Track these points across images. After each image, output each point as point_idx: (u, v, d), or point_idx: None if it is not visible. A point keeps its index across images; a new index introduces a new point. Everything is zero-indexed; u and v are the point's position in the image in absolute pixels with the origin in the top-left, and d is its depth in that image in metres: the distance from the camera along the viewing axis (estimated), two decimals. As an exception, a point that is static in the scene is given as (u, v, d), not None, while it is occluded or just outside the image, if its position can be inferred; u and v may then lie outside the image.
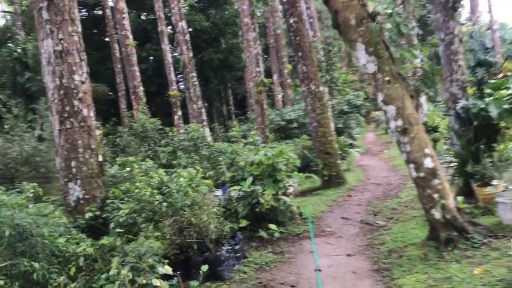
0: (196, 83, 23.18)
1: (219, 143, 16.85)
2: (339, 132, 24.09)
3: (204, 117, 23.29)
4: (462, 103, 8.70)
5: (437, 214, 6.27)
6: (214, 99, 38.55)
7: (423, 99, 18.46)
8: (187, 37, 23.17)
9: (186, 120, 26.42)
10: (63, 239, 4.14)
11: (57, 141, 7.03)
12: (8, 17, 28.65)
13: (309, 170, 13.96)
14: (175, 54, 26.07)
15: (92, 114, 7.25)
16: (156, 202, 6.15)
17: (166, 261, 4.63)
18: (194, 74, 23.11)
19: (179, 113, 21.39)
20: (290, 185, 9.28)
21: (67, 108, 6.94)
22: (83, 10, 35.01)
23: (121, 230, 5.34)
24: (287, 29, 12.91)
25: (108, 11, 25.79)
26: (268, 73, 31.45)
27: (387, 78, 6.37)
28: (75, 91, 7.02)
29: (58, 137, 7.01)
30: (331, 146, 12.83)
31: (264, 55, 36.96)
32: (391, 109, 6.39)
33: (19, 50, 20.03)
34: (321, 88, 12.79)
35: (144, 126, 12.43)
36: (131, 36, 16.19)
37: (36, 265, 3.57)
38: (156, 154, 12.56)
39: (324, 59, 19.81)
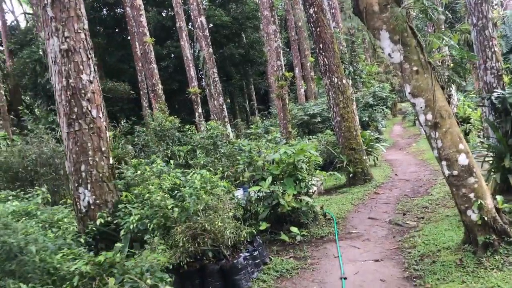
0: (217, 79, 22.87)
1: (241, 140, 16.48)
2: (365, 125, 23.42)
3: (226, 113, 22.98)
4: (497, 92, 8.04)
5: (473, 215, 5.70)
6: (236, 95, 38.20)
7: (453, 89, 17.64)
8: (207, 32, 22.86)
9: (208, 117, 26.15)
10: (59, 254, 3.78)
11: (66, 144, 6.71)
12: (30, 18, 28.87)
13: (334, 167, 13.44)
14: (196, 50, 25.70)
15: (101, 115, 6.89)
16: (168, 207, 5.76)
17: (170, 279, 4.21)
18: (215, 70, 22.80)
19: (200, 110, 21.09)
20: (312, 184, 8.78)
21: (75, 110, 6.60)
22: (104, 9, 35.16)
23: (120, 245, 4.93)
24: (307, 20, 12.34)
25: (128, 9, 25.66)
26: (291, 68, 30.91)
27: (415, 68, 5.81)
28: (83, 91, 6.67)
29: (66, 140, 6.68)
30: (356, 141, 12.26)
31: (286, 48, 36.41)
32: (420, 102, 5.83)
33: (40, 52, 20.01)
34: (344, 81, 12.21)
35: (162, 124, 12.10)
36: (148, 33, 15.88)
37: (24, 287, 3.21)
38: (174, 154, 12.24)
39: (347, 51, 19.14)
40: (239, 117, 36.72)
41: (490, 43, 8.36)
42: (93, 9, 34.02)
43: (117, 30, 35.17)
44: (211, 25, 32.33)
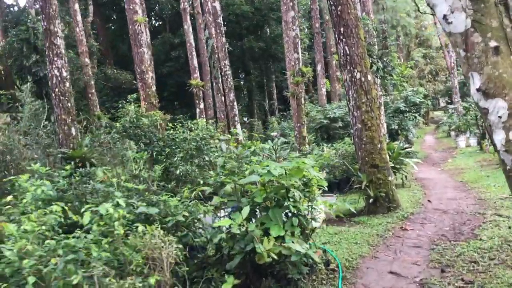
0: (229, 72, 20.36)
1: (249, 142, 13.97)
2: (393, 134, 20.54)
3: (236, 111, 20.45)
4: None
5: None
6: (254, 92, 35.55)
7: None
8: (220, 20, 20.38)
9: (215, 114, 23.66)
10: None
11: None
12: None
13: (350, 186, 10.75)
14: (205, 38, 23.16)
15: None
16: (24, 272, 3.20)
17: None
18: (227, 62, 20.28)
19: (202, 105, 18.57)
20: (312, 219, 6.07)
21: None
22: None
23: None
24: (326, -3, 9.63)
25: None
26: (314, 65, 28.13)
27: (492, 43, 3.11)
28: None
29: None
30: (380, 156, 9.44)
31: (312, 46, 33.58)
32: (499, 106, 3.13)
33: (29, 31, 17.84)
34: (369, 77, 9.45)
35: (133, 121, 9.60)
36: (140, 11, 13.44)
37: None
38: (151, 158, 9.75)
39: (376, 42, 16.26)
40: (256, 117, 34.11)
41: None
42: (107, -8, 32.01)
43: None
44: (231, 15, 29.88)
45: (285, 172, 5.72)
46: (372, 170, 9.37)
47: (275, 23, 31.76)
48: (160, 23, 37.72)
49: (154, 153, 10.01)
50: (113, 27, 35.76)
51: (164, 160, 9.88)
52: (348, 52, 9.29)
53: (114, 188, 6.01)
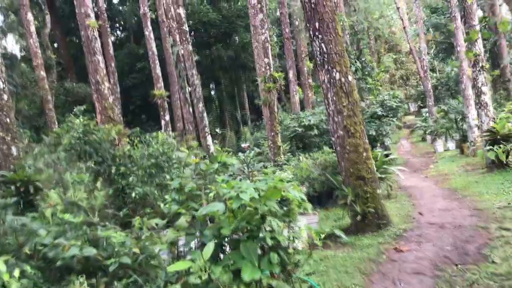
0: (197, 82, 19.13)
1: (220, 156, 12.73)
2: (371, 140, 19.62)
3: (206, 122, 19.23)
4: None
5: None
6: (225, 103, 34.33)
7: (486, 96, 13.83)
8: (185, 27, 19.20)
9: (184, 126, 22.30)
10: None
11: None
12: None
13: (333, 201, 9.63)
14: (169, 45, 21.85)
15: None
16: None
17: None
18: (195, 71, 19.07)
19: (167, 117, 17.24)
20: (296, 251, 4.86)
21: None
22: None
23: None
24: (298, -11, 8.51)
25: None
26: (285, 74, 27.16)
27: None
28: None
29: None
30: (366, 166, 8.32)
31: (283, 54, 32.64)
32: None
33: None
34: (350, 78, 8.37)
35: (81, 137, 8.25)
36: (93, 15, 12.12)
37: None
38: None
39: (351, 43, 15.31)
40: (228, 128, 32.89)
41: None
42: (67, 3, 30.45)
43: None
44: (197, 23, 28.70)
45: (259, 195, 4.52)
46: (358, 182, 8.23)
47: (244, 30, 30.72)
48: (126, 34, 36.40)
49: (111, 173, 8.67)
50: (75, 39, 34.18)
51: (120, 180, 8.56)
52: (325, 49, 8.19)
53: (40, 224, 4.70)
